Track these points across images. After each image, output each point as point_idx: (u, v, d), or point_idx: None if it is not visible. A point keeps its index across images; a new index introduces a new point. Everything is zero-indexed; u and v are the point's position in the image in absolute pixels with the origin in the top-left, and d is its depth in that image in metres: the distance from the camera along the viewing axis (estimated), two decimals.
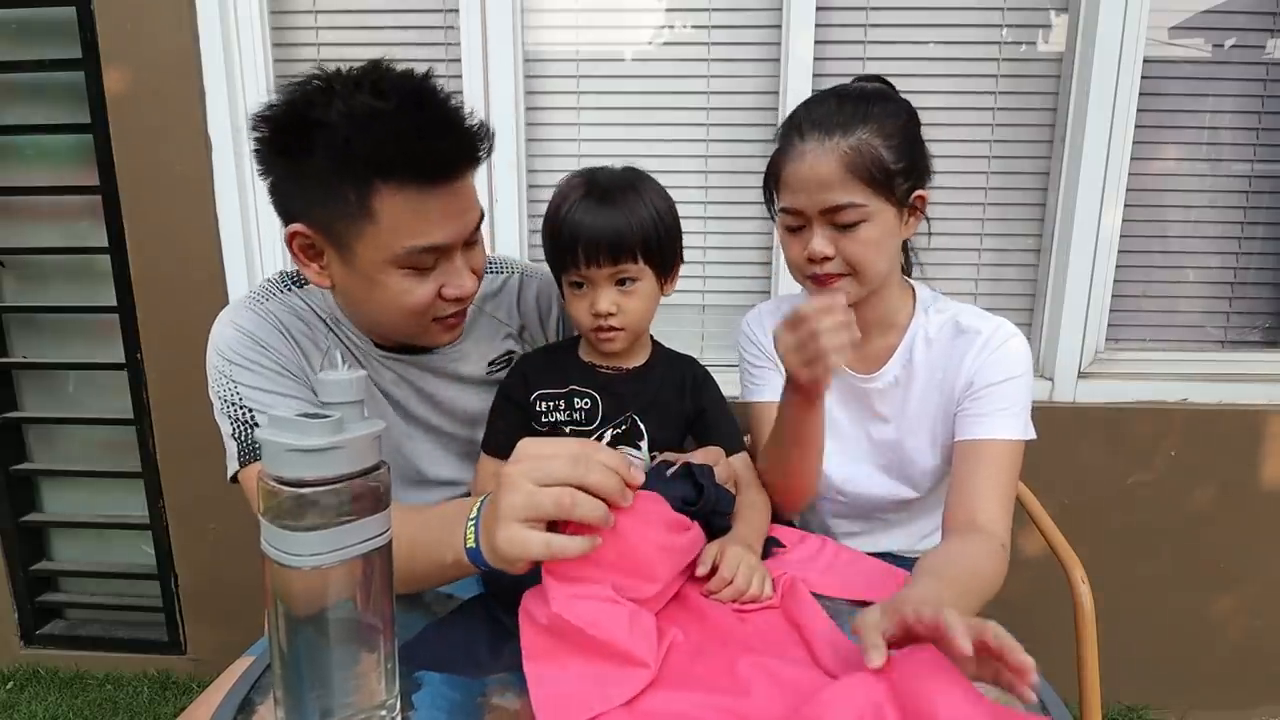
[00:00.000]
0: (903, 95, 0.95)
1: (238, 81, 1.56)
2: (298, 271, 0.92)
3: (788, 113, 0.96)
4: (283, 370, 0.86)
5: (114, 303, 1.67)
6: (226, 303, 1.64)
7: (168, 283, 1.65)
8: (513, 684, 0.62)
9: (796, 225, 0.91)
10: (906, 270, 1.05)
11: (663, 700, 0.58)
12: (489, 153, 0.80)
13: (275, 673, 0.52)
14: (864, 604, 0.68)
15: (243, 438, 0.84)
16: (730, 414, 0.96)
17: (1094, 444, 1.63)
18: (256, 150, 0.78)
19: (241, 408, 0.84)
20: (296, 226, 0.79)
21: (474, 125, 0.78)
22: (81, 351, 1.78)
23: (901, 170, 0.87)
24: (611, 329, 0.87)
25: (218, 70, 1.55)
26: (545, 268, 0.97)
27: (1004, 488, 0.87)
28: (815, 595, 0.73)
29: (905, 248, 1.05)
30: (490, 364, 1.00)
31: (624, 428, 0.91)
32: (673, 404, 0.93)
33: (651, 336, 0.97)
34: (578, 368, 0.93)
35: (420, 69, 0.77)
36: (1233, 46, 1.58)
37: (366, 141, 0.72)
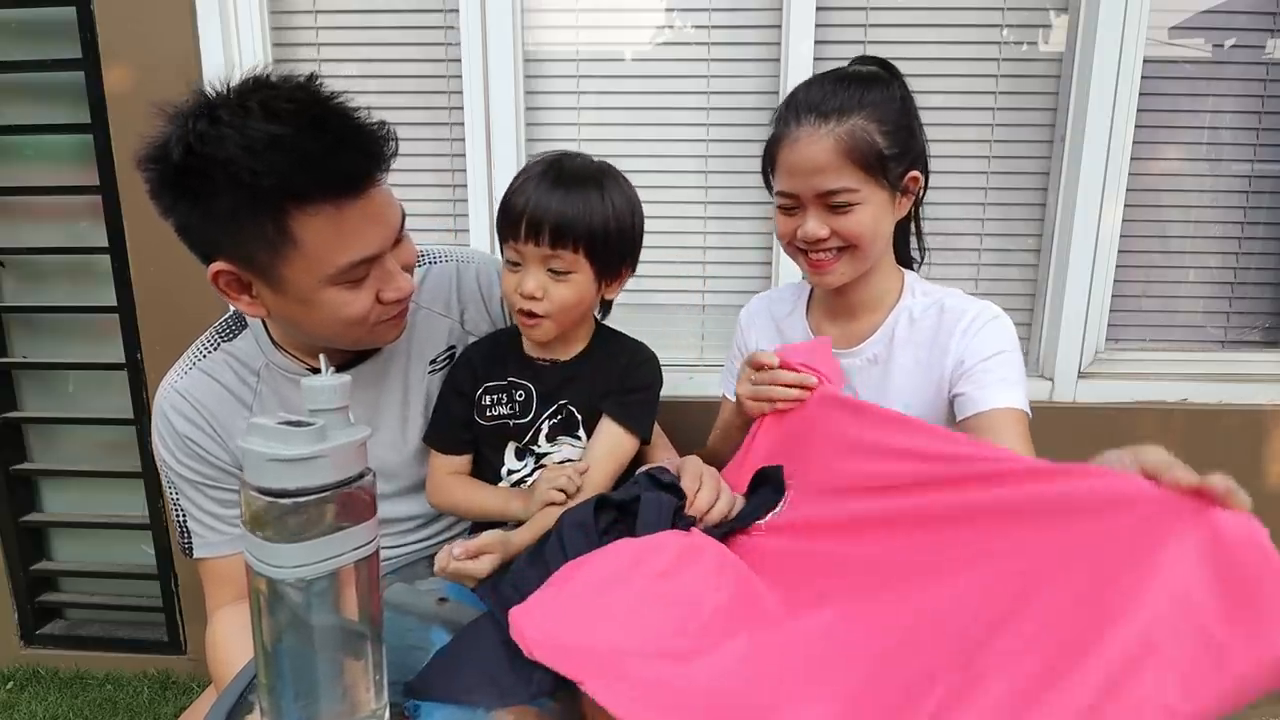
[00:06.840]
0: (902, 74, 0.94)
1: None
2: (234, 317, 0.94)
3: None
4: (208, 462, 0.89)
5: (114, 303, 1.67)
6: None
7: (168, 283, 1.64)
8: (534, 710, 0.58)
9: (791, 207, 0.92)
10: (906, 263, 1.04)
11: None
12: (395, 153, 0.78)
13: (260, 683, 0.50)
14: None
15: (179, 534, 0.92)
16: (648, 400, 0.93)
17: (1094, 444, 1.60)
18: (152, 191, 0.75)
19: (177, 506, 0.91)
20: (219, 266, 0.77)
21: (376, 130, 0.76)
22: (81, 351, 1.78)
23: (895, 155, 0.88)
24: (533, 314, 0.85)
25: (218, 70, 1.54)
26: (486, 251, 0.97)
27: (1024, 452, 0.84)
28: None
29: (914, 241, 1.04)
30: (431, 363, 0.99)
31: (559, 417, 0.91)
32: (603, 392, 0.92)
33: (605, 326, 0.97)
34: (516, 360, 0.93)
35: (303, 70, 0.75)
36: (1233, 46, 1.58)
37: (272, 171, 0.69)
